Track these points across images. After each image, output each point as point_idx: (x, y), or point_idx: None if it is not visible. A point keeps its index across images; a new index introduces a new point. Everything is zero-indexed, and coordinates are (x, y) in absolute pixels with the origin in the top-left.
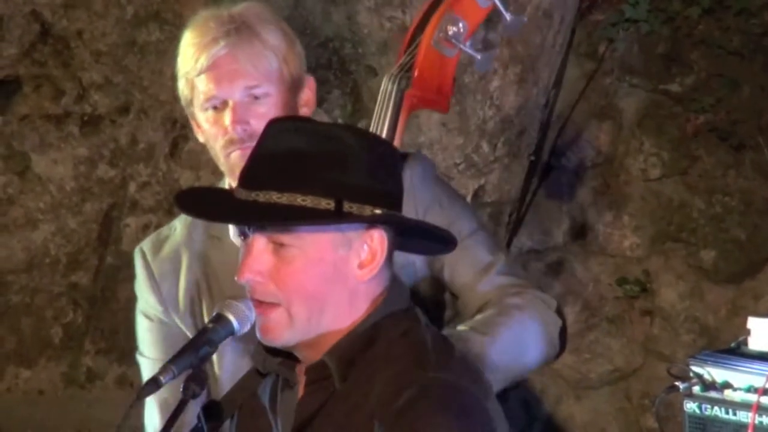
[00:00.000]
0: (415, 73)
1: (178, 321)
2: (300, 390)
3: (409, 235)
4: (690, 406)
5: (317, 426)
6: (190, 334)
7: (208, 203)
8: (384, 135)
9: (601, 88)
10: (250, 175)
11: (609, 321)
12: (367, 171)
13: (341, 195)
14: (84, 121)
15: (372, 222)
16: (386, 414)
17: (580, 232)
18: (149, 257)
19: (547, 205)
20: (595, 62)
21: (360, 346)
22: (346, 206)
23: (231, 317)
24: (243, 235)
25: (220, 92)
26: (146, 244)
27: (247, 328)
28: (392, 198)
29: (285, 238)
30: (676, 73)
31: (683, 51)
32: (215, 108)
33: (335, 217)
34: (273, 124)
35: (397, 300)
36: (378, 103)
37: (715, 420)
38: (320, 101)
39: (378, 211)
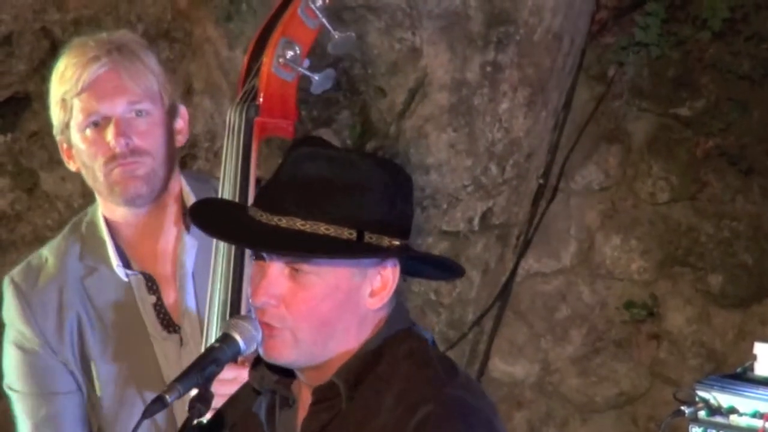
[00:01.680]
0: (261, 100)
1: (59, 355)
2: (300, 408)
3: (419, 262)
4: (696, 431)
5: None
6: (75, 368)
7: (228, 223)
8: (238, 166)
9: (610, 111)
10: (272, 198)
11: (616, 344)
12: (385, 200)
13: (362, 225)
14: None
15: (389, 254)
16: (401, 430)
17: (587, 255)
18: (24, 288)
19: (554, 227)
20: (605, 85)
21: (367, 366)
22: (367, 237)
23: (237, 337)
24: (257, 257)
25: (103, 108)
26: (17, 275)
27: (253, 347)
28: (406, 227)
29: (305, 265)
30: (685, 97)
31: (693, 75)
32: (95, 125)
33: (358, 249)
34: (295, 149)
35: (400, 320)
36: (227, 136)
37: None
38: (329, 121)
39: (396, 242)
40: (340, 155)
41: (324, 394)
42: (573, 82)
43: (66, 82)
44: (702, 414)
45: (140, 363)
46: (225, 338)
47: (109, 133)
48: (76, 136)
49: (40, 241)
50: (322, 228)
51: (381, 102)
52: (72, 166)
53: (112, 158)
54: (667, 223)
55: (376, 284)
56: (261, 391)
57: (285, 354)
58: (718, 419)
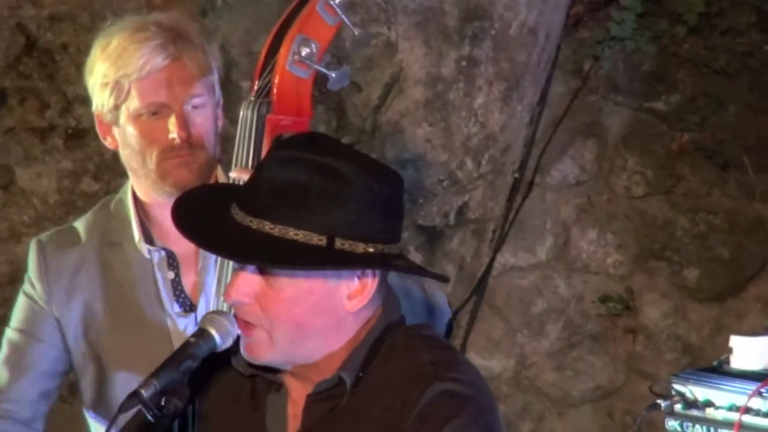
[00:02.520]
0: (275, 98)
1: (57, 316)
2: (291, 395)
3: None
4: (672, 425)
5: (323, 429)
6: (69, 335)
7: (204, 221)
8: (249, 163)
9: (586, 105)
10: (247, 198)
11: (592, 338)
12: (364, 207)
13: (334, 232)
14: (68, 135)
15: (362, 264)
16: (408, 410)
17: (563, 249)
18: (47, 248)
19: (530, 222)
20: (580, 80)
21: (367, 358)
22: (338, 243)
23: (213, 332)
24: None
25: (167, 98)
26: (45, 237)
27: (229, 342)
28: (389, 232)
29: (275, 269)
30: (661, 91)
31: (669, 69)
32: (154, 114)
33: (325, 257)
34: (278, 150)
35: (393, 311)
36: (239, 130)
37: None
38: (311, 116)
39: (371, 249)
40: (323, 161)
41: (328, 386)
42: (548, 77)
43: (125, 65)
44: (678, 407)
45: (153, 339)
46: (201, 333)
47: (171, 124)
48: (127, 121)
49: (17, 237)
50: (291, 233)
51: (356, 97)
52: (109, 144)
53: (169, 148)
54: (642, 218)
55: (354, 287)
56: (244, 373)
57: (262, 354)
58: (695, 412)
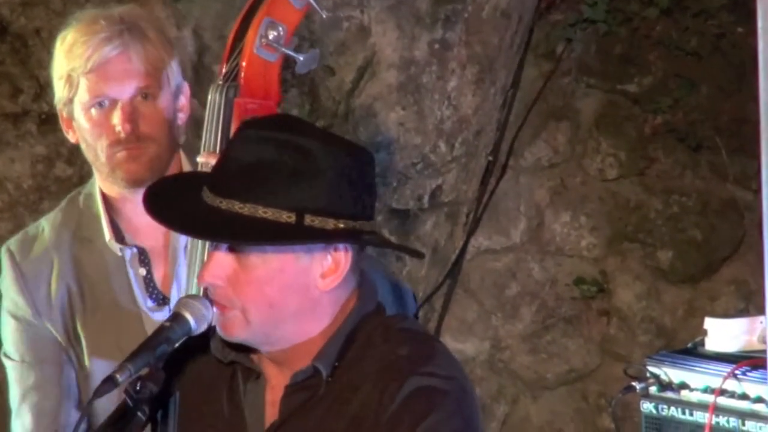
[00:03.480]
0: (242, 82)
1: (48, 325)
2: (269, 384)
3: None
4: (646, 407)
5: (303, 421)
6: (61, 339)
7: (175, 204)
8: (217, 147)
9: (558, 88)
10: (216, 180)
11: (566, 321)
12: (333, 183)
13: (303, 208)
14: (42, 120)
15: (332, 239)
16: (385, 404)
17: (537, 232)
18: (18, 257)
19: (504, 205)
20: (553, 63)
21: (343, 348)
22: (308, 219)
23: (188, 316)
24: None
25: (111, 91)
26: (13, 244)
27: (204, 327)
28: (360, 208)
29: (246, 248)
30: (633, 73)
31: (641, 52)
32: (101, 106)
33: (294, 234)
34: (245, 130)
35: (369, 298)
36: (207, 115)
37: (671, 420)
38: (279, 99)
39: (341, 225)
40: (290, 139)
41: (304, 376)
42: (521, 60)
43: (74, 58)
44: (653, 390)
45: (128, 335)
46: (176, 317)
47: (116, 117)
48: (79, 113)
49: None
50: (260, 211)
51: (330, 81)
52: (71, 137)
53: (116, 142)
54: (616, 200)
55: (327, 266)
56: (225, 360)
57: (237, 332)
58: (669, 395)
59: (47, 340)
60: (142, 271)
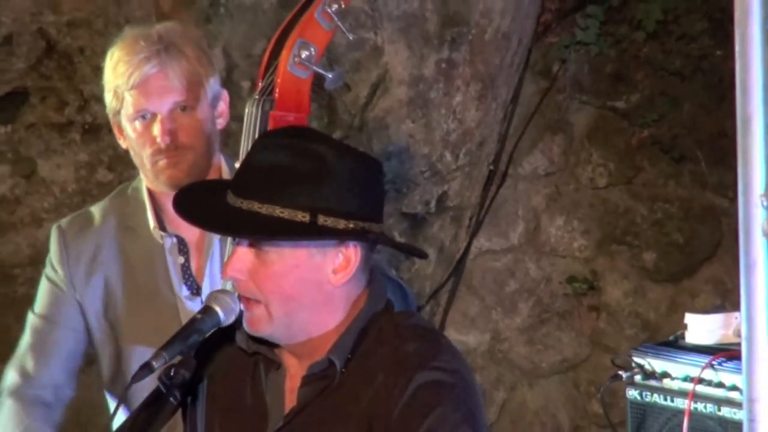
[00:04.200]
0: (277, 96)
1: (78, 298)
2: (288, 374)
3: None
4: (632, 394)
5: (318, 411)
6: (90, 318)
7: (201, 205)
8: None
9: (554, 103)
10: (239, 183)
11: (559, 316)
12: (344, 187)
13: (317, 209)
14: (85, 130)
15: (343, 237)
16: (395, 399)
17: (533, 234)
18: (68, 236)
19: (504, 209)
20: (549, 80)
21: (356, 343)
22: (321, 219)
23: (218, 309)
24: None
25: (150, 105)
26: (65, 223)
27: (232, 318)
28: (369, 210)
29: (265, 244)
30: (622, 91)
31: (629, 71)
32: (144, 118)
33: (308, 232)
34: (266, 138)
35: (379, 297)
36: (245, 126)
37: (654, 406)
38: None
39: (351, 225)
40: (304, 145)
41: (320, 368)
42: (520, 78)
43: (119, 76)
44: (638, 378)
45: (164, 319)
46: (206, 310)
47: (156, 129)
48: (126, 124)
49: (38, 222)
50: (277, 211)
51: (346, 96)
52: (123, 144)
53: (158, 151)
54: (605, 206)
55: (338, 262)
56: (248, 351)
57: (262, 327)
58: (653, 383)
59: (71, 308)
60: (181, 260)
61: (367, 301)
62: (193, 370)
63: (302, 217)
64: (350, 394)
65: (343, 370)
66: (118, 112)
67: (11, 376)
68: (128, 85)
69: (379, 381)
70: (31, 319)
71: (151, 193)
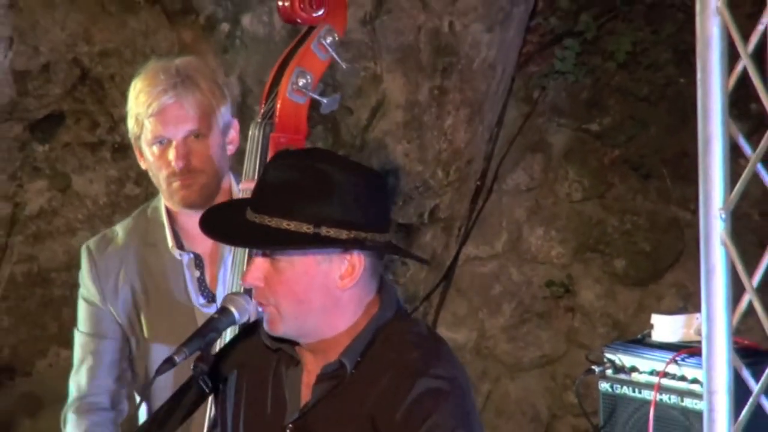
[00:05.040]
0: (277, 120)
1: (112, 309)
2: (305, 370)
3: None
4: (604, 386)
5: (328, 406)
6: (122, 322)
7: (222, 222)
8: (256, 174)
9: (534, 126)
10: (255, 200)
11: (539, 316)
12: (347, 200)
13: (321, 221)
14: (114, 149)
15: (345, 245)
16: (398, 403)
17: (516, 243)
18: (95, 254)
19: (489, 221)
20: (530, 106)
21: (366, 347)
22: (324, 230)
23: (233, 309)
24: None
25: (167, 132)
26: (92, 243)
27: (245, 318)
28: (371, 221)
29: (276, 254)
30: (595, 115)
31: (602, 97)
32: (161, 143)
33: (312, 241)
34: (278, 158)
35: (390, 305)
36: (249, 146)
37: (624, 397)
38: (307, 134)
39: (353, 235)
40: (311, 164)
41: (332, 368)
42: (504, 103)
43: (140, 105)
44: (609, 372)
45: (182, 325)
46: (222, 311)
47: (171, 154)
48: (145, 148)
49: (72, 231)
50: (284, 224)
51: (348, 119)
52: (143, 165)
53: (172, 174)
54: (580, 218)
55: (344, 268)
56: (271, 348)
57: (275, 327)
58: (622, 376)
59: (108, 320)
60: (197, 273)
61: (380, 309)
62: (212, 363)
63: (307, 228)
64: (358, 394)
65: (353, 371)
66: (138, 137)
67: (71, 392)
68: (148, 113)
69: (384, 384)
70: (77, 337)
71: (169, 213)
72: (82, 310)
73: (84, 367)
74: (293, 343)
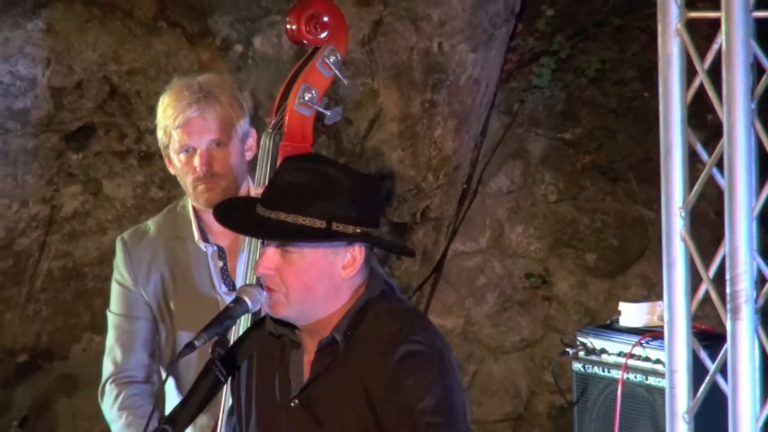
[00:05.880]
0: (285, 130)
1: (143, 293)
2: (305, 351)
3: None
4: (577, 366)
5: (326, 379)
6: (153, 308)
7: (237, 215)
8: (266, 180)
9: (515, 136)
10: (268, 197)
11: (519, 304)
12: (352, 199)
13: (331, 217)
14: (141, 157)
15: (352, 239)
16: (385, 367)
17: (498, 239)
18: (129, 245)
19: (474, 220)
20: (511, 117)
21: (355, 321)
22: (335, 226)
23: (247, 299)
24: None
25: (192, 142)
26: (127, 235)
27: (257, 307)
28: (371, 218)
29: (289, 246)
30: (569, 125)
31: (575, 110)
32: (187, 151)
33: (325, 236)
34: (288, 162)
35: (376, 287)
36: (260, 153)
37: (595, 376)
38: (312, 142)
39: (358, 230)
40: (318, 167)
41: (327, 343)
42: (487, 115)
43: (167, 118)
44: (581, 354)
45: (207, 311)
46: (237, 300)
47: (196, 161)
48: (173, 156)
49: (103, 231)
50: (300, 220)
51: (349, 129)
52: (172, 171)
53: (197, 179)
54: (556, 217)
55: (347, 260)
56: (276, 334)
57: (281, 310)
58: (593, 357)
59: (140, 303)
60: (220, 264)
61: (366, 290)
62: (228, 348)
63: (320, 224)
64: (351, 365)
65: (346, 345)
66: (167, 146)
67: (106, 367)
68: (175, 125)
69: (372, 353)
70: (111, 318)
71: (195, 210)
72: (116, 294)
73: (119, 344)
74: (294, 328)
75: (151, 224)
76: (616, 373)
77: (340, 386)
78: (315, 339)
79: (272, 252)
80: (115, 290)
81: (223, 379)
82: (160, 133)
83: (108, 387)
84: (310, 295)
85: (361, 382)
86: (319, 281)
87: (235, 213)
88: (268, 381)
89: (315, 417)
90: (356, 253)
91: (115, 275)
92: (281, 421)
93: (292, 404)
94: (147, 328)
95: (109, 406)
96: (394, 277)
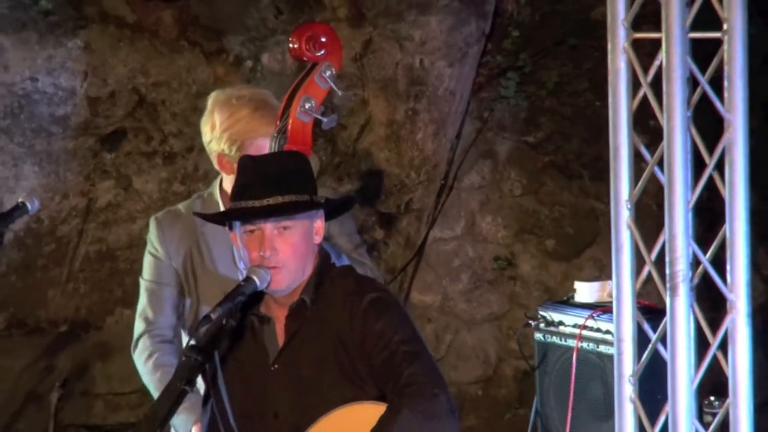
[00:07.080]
0: (289, 135)
1: (173, 264)
2: (277, 322)
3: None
4: (538, 336)
5: (301, 337)
6: (183, 278)
7: (243, 211)
8: None
9: (485, 139)
10: (256, 190)
11: (489, 283)
12: (309, 177)
13: (309, 192)
14: (165, 157)
15: (322, 207)
16: (354, 314)
17: (471, 228)
18: (163, 223)
19: (451, 211)
20: (482, 123)
21: (318, 284)
22: (314, 198)
23: (255, 278)
24: (247, 230)
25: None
26: (160, 215)
27: (264, 285)
28: (316, 189)
29: (288, 222)
30: (532, 130)
31: (536, 116)
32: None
33: (312, 206)
34: (248, 160)
35: (324, 252)
36: None
37: (553, 344)
38: (312, 145)
39: (322, 200)
40: (275, 158)
41: (296, 306)
42: (462, 121)
43: (235, 128)
44: (542, 326)
45: (230, 282)
46: (247, 279)
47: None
48: (236, 154)
49: (132, 220)
50: (294, 197)
51: (343, 133)
52: (226, 171)
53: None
54: (520, 208)
55: (317, 226)
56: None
57: (284, 283)
58: (552, 329)
59: (171, 272)
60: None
61: (319, 257)
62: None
63: (306, 198)
64: (321, 322)
65: (313, 307)
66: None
67: (138, 325)
68: (249, 136)
69: (338, 307)
70: (143, 284)
71: (222, 194)
72: (149, 264)
73: (150, 305)
74: (258, 307)
75: (182, 207)
76: (571, 342)
77: (316, 343)
78: (285, 308)
79: (272, 235)
80: (147, 261)
81: (198, 364)
82: (220, 143)
83: (141, 341)
84: (301, 263)
85: (335, 333)
86: (306, 249)
87: (240, 209)
88: (244, 358)
89: (296, 373)
90: (321, 220)
91: (149, 248)
92: (266, 387)
93: (273, 368)
94: (175, 294)
95: (144, 359)
96: (382, 260)
